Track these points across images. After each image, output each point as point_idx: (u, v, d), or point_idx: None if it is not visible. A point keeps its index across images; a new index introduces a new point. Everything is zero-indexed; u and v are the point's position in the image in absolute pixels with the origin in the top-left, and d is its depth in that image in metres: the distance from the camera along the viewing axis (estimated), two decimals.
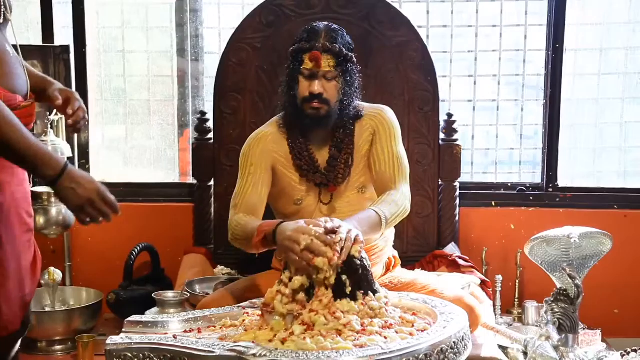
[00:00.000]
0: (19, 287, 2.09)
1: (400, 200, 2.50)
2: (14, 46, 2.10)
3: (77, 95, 2.26)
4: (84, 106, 2.26)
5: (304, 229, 2.14)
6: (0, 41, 2.00)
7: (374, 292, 2.11)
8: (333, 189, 2.61)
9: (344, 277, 2.07)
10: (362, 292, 2.08)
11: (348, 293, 2.06)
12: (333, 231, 2.12)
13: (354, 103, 2.60)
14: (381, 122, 2.64)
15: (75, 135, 3.71)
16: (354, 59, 2.58)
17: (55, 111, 3.41)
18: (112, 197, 2.05)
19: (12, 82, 2.01)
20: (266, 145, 2.62)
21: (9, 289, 2.05)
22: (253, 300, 2.31)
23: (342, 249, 2.08)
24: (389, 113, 2.68)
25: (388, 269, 2.76)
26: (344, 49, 2.53)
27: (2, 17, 2.02)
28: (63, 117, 3.49)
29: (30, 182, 2.47)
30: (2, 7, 2.03)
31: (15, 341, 2.20)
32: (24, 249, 2.12)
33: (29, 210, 2.17)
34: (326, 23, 2.59)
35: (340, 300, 2.05)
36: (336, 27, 2.58)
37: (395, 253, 2.83)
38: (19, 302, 2.10)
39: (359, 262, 2.10)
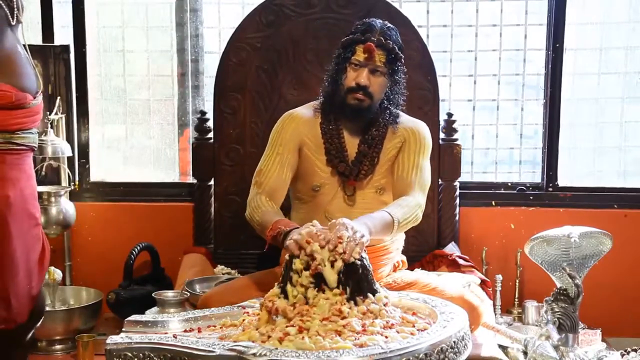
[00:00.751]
0: (27, 281, 2.12)
1: (413, 206, 2.53)
2: (24, 46, 2.12)
3: None
4: None
5: (311, 235, 2.12)
6: (12, 42, 2.04)
7: (374, 292, 2.11)
8: (353, 183, 2.64)
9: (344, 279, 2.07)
10: (362, 294, 2.07)
11: (349, 295, 2.06)
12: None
13: (395, 104, 2.64)
14: (414, 133, 2.69)
15: (76, 135, 3.72)
16: (403, 61, 2.62)
17: (55, 110, 3.42)
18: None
19: (23, 82, 2.04)
20: (298, 126, 2.65)
21: (19, 282, 2.09)
22: (253, 300, 2.31)
23: (344, 251, 2.07)
24: (424, 129, 2.73)
25: (394, 270, 2.79)
26: (396, 47, 2.57)
27: (15, 19, 2.05)
28: (63, 117, 3.51)
29: None
30: (16, 9, 2.05)
31: (26, 331, 2.21)
32: (32, 243, 2.15)
33: (36, 205, 2.20)
34: (382, 21, 2.63)
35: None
36: (391, 26, 2.63)
37: (404, 258, 2.85)
38: (27, 294, 2.13)
39: (359, 262, 2.10)
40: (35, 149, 2.20)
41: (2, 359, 2.22)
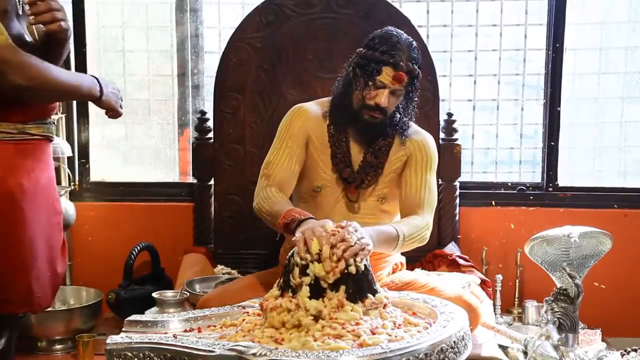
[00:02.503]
0: (50, 267, 2.16)
1: (422, 227, 2.52)
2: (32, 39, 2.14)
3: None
4: (57, 5, 2.07)
5: (323, 229, 2.13)
6: (20, 32, 2.06)
7: (374, 292, 2.11)
8: (354, 192, 2.63)
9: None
10: (362, 295, 2.07)
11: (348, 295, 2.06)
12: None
13: (408, 116, 2.62)
14: (420, 148, 2.67)
15: (76, 135, 3.72)
16: (420, 76, 2.57)
17: (55, 110, 3.41)
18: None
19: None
20: (306, 121, 2.64)
21: (39, 268, 2.12)
22: (253, 300, 2.31)
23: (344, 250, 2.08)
24: (430, 142, 2.71)
25: (394, 271, 2.78)
26: (418, 69, 2.52)
27: (22, 10, 2.07)
28: (63, 116, 3.51)
29: None
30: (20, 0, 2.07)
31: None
32: (54, 230, 2.22)
33: (55, 195, 2.25)
34: (404, 36, 2.53)
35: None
36: (413, 42, 2.55)
37: (403, 259, 2.85)
38: (50, 281, 2.18)
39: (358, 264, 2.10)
40: (53, 139, 2.23)
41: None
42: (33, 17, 2.04)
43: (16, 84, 1.96)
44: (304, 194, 2.68)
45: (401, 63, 2.47)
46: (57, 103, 2.31)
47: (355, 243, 2.10)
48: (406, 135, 2.66)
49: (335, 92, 2.66)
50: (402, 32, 2.56)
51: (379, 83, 2.49)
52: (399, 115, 2.61)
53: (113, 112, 2.27)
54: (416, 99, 2.62)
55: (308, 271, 2.07)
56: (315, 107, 2.69)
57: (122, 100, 2.31)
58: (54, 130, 2.24)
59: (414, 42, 2.56)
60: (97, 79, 2.19)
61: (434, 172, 2.68)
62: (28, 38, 2.09)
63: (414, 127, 2.71)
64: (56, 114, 3.42)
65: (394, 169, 2.66)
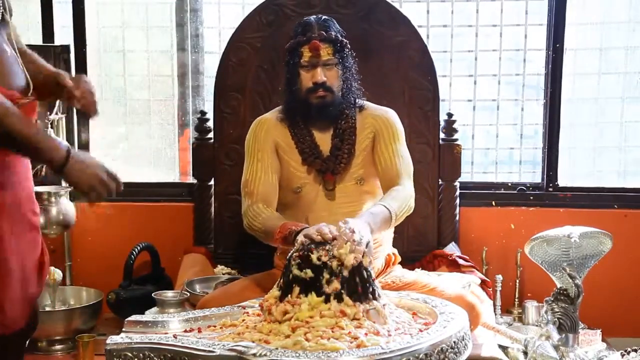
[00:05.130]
0: (23, 286, 2.09)
1: (406, 196, 2.55)
2: (13, 47, 2.11)
3: (87, 78, 2.26)
4: (93, 90, 2.25)
5: (320, 232, 2.15)
6: None
7: (374, 292, 2.11)
8: (331, 178, 2.65)
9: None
10: (362, 295, 2.07)
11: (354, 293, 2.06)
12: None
13: (354, 89, 2.67)
14: (384, 122, 2.71)
15: (76, 135, 3.71)
16: (349, 45, 2.66)
17: (55, 110, 3.42)
18: (114, 172, 2.10)
19: (9, 80, 2.02)
20: (268, 129, 2.69)
21: (13, 287, 2.06)
22: (253, 300, 2.31)
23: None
24: (392, 115, 2.75)
25: (388, 265, 2.76)
26: (339, 36, 2.62)
27: (2, 17, 2.04)
28: (63, 117, 3.51)
29: None
30: (2, 7, 2.04)
31: (21, 341, 2.20)
32: (28, 247, 2.12)
33: (33, 208, 2.16)
34: (317, 15, 2.68)
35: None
36: (327, 17, 2.67)
37: (395, 250, 2.83)
38: (23, 301, 2.10)
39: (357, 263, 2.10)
40: None
41: None
42: (80, 106, 2.18)
43: None
44: (284, 198, 2.69)
45: (313, 35, 2.58)
46: (34, 114, 2.23)
47: (357, 243, 2.10)
48: (365, 110, 2.72)
49: (282, 94, 2.74)
50: (319, 15, 2.70)
51: (305, 64, 2.58)
52: (346, 87, 2.65)
53: (78, 188, 2.06)
54: (353, 66, 2.67)
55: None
56: (273, 115, 2.74)
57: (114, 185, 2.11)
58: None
59: (329, 18, 2.68)
60: (69, 150, 1.98)
61: (403, 141, 2.73)
62: (7, 49, 2.06)
63: (374, 106, 2.77)
64: (56, 114, 3.43)
65: (364, 147, 2.68)
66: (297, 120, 2.68)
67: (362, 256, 2.10)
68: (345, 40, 2.64)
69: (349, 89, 2.65)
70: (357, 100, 2.71)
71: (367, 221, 2.29)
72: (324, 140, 2.68)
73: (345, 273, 2.06)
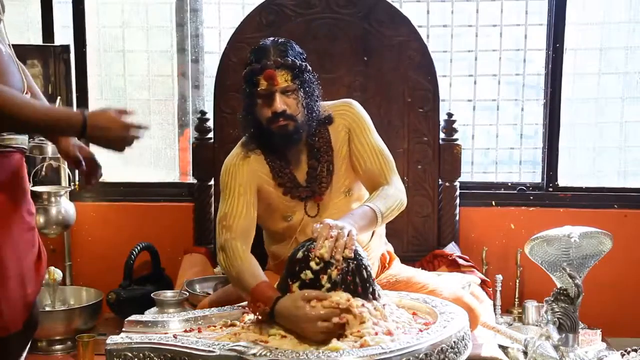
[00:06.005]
0: (21, 287, 2.09)
1: (394, 194, 2.45)
2: (9, 45, 2.11)
3: (95, 156, 2.30)
4: (101, 165, 2.32)
5: (306, 298, 2.07)
6: None
7: (373, 292, 2.11)
8: (319, 199, 2.54)
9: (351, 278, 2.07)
10: (361, 295, 2.08)
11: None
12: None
13: (317, 111, 2.51)
14: (352, 118, 2.56)
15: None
16: (309, 68, 2.50)
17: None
18: (131, 118, 2.09)
19: (6, 80, 2.02)
20: (251, 166, 2.53)
21: (10, 288, 2.05)
22: None
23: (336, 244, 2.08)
24: (356, 107, 2.60)
25: (384, 265, 2.72)
26: (297, 60, 2.45)
27: None
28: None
29: (30, 181, 2.47)
30: None
31: (21, 342, 2.19)
32: (25, 248, 2.12)
33: (29, 208, 2.16)
34: (273, 39, 2.51)
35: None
36: (284, 40, 2.50)
37: (390, 248, 2.81)
38: (20, 302, 2.09)
39: (355, 262, 2.10)
40: (26, 151, 2.16)
41: None
42: (85, 177, 2.25)
43: None
44: (277, 227, 2.60)
45: (268, 62, 2.41)
46: None
47: (338, 234, 2.09)
48: (331, 117, 2.55)
49: (243, 126, 2.59)
50: (275, 38, 2.52)
51: (262, 92, 2.44)
52: (308, 112, 2.48)
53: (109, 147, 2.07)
54: (315, 89, 2.50)
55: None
56: (243, 151, 2.57)
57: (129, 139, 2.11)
58: (25, 141, 2.18)
59: (287, 40, 2.50)
60: (84, 113, 1.98)
61: (374, 131, 2.59)
62: (3, 48, 2.06)
63: (330, 103, 2.61)
64: None
65: (344, 156, 2.56)
66: (270, 152, 2.53)
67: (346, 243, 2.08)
68: (305, 64, 2.47)
69: (312, 113, 2.48)
70: (321, 115, 2.53)
71: (348, 221, 2.21)
72: (301, 167, 2.55)
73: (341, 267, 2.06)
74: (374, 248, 2.63)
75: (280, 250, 2.57)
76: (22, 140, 2.11)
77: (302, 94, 2.45)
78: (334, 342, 1.89)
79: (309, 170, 2.54)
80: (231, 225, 2.42)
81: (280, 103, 2.41)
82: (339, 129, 2.56)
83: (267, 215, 2.57)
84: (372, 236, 2.57)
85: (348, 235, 2.11)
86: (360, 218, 2.30)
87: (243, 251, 2.37)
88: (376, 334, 1.94)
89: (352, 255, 2.09)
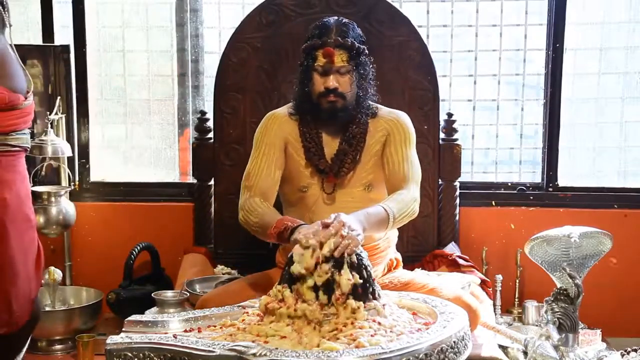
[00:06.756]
0: (27, 285, 2.12)
1: (409, 201, 2.52)
2: (12, 47, 2.13)
3: None
4: None
5: (318, 232, 2.14)
6: (3, 44, 2.05)
7: (374, 292, 2.11)
8: (334, 180, 2.62)
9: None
10: (361, 295, 2.08)
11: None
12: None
13: (369, 95, 2.64)
14: (397, 125, 2.68)
15: (76, 135, 3.72)
16: (367, 52, 2.62)
17: (55, 110, 3.42)
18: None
19: (15, 83, 2.05)
20: (281, 125, 2.67)
21: (19, 286, 2.09)
22: (253, 300, 2.31)
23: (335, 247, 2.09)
24: (406, 119, 2.72)
25: (390, 269, 2.77)
26: (355, 43, 2.57)
27: (7, 22, 2.06)
28: (63, 117, 3.51)
29: (30, 181, 2.48)
30: (6, 11, 2.07)
31: (25, 335, 2.22)
32: (29, 245, 2.15)
33: (31, 207, 2.20)
34: (336, 18, 2.64)
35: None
36: (347, 21, 2.63)
37: (398, 255, 2.84)
38: (27, 297, 2.13)
39: (356, 261, 2.10)
40: (29, 150, 2.19)
41: None
42: None
43: None
44: (291, 196, 2.69)
45: (329, 40, 2.54)
46: (32, 114, 2.23)
47: (344, 237, 2.10)
48: (377, 116, 2.68)
49: (295, 92, 2.70)
50: (338, 17, 2.65)
51: (318, 68, 2.56)
52: (360, 93, 2.62)
53: None
54: (371, 74, 2.64)
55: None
56: (285, 111, 2.72)
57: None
58: (29, 140, 2.20)
59: (349, 22, 2.62)
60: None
61: (414, 146, 2.70)
62: (11, 51, 2.08)
63: (387, 109, 2.74)
64: (56, 114, 3.43)
65: (374, 153, 2.66)
66: (307, 120, 2.66)
67: (349, 245, 2.09)
68: (363, 47, 2.60)
69: (363, 96, 2.62)
70: (370, 106, 2.67)
71: (360, 219, 2.27)
72: (332, 143, 2.66)
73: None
74: (387, 252, 2.70)
75: None
76: (26, 139, 2.13)
77: (356, 75, 2.58)
78: (331, 343, 1.89)
79: (337, 151, 2.64)
80: (252, 185, 2.59)
81: (333, 80, 2.55)
82: (379, 129, 2.67)
83: (284, 182, 2.67)
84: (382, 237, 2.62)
85: (353, 240, 2.12)
86: (373, 217, 2.37)
87: (262, 202, 2.52)
88: (374, 335, 1.94)
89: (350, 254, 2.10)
